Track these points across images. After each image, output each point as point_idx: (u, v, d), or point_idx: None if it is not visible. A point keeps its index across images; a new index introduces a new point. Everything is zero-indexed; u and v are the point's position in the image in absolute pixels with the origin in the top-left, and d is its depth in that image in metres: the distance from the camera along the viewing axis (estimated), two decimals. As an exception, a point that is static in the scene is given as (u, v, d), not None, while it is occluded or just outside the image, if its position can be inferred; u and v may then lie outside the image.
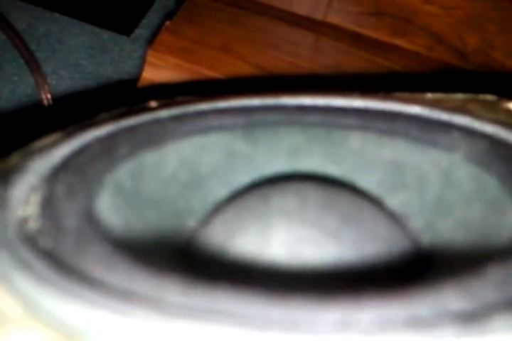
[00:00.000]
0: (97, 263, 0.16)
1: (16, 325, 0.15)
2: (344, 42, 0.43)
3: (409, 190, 0.23)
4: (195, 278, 0.16)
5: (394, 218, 0.23)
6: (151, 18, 0.51)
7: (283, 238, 0.20)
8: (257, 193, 0.23)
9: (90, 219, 0.18)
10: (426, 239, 0.22)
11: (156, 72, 0.39)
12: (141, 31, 0.50)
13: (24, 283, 0.16)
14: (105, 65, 0.47)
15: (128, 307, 0.15)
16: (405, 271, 0.20)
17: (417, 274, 0.20)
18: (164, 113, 0.23)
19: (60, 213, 0.18)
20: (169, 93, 0.37)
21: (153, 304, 0.15)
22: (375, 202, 0.23)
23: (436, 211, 0.22)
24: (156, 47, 0.39)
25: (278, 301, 0.15)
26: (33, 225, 0.18)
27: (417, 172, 0.23)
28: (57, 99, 0.45)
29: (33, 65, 0.45)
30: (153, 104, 0.24)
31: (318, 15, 0.44)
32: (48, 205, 0.19)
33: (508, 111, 0.23)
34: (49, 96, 0.44)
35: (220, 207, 0.23)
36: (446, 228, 0.21)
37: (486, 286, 0.15)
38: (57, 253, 0.17)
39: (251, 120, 0.23)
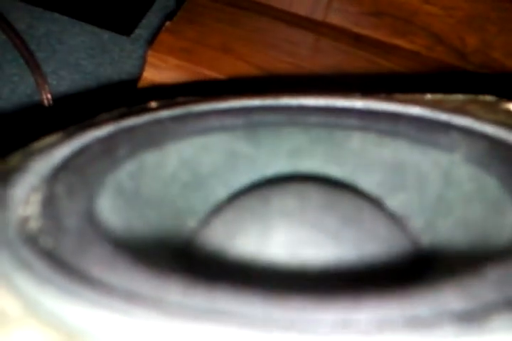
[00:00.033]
0: (98, 262, 0.17)
1: (17, 324, 0.15)
2: (344, 42, 0.43)
3: (409, 190, 0.23)
4: (195, 278, 0.16)
5: (394, 218, 0.23)
6: (151, 19, 0.51)
7: (283, 238, 0.21)
8: (257, 194, 0.23)
9: (91, 219, 0.18)
10: (426, 239, 0.22)
11: (157, 72, 0.39)
12: (141, 31, 0.50)
13: (25, 282, 0.16)
14: (105, 65, 0.47)
15: (128, 307, 0.15)
16: (405, 271, 0.20)
17: (417, 274, 0.20)
18: (165, 113, 0.23)
19: (61, 213, 0.18)
20: (169, 93, 0.37)
21: (154, 304, 0.15)
22: (375, 202, 0.23)
23: (436, 211, 0.22)
24: (157, 47, 0.39)
25: (278, 301, 0.15)
26: (33, 225, 0.18)
27: (417, 172, 0.23)
28: (58, 100, 0.45)
29: (33, 65, 0.45)
30: (153, 104, 0.24)
31: (318, 16, 0.44)
32: (49, 205, 0.19)
33: (507, 111, 0.23)
34: (49, 96, 0.44)
35: (220, 208, 0.23)
36: (446, 228, 0.21)
37: (485, 286, 0.15)
38: (57, 253, 0.17)
39: (251, 120, 0.23)
